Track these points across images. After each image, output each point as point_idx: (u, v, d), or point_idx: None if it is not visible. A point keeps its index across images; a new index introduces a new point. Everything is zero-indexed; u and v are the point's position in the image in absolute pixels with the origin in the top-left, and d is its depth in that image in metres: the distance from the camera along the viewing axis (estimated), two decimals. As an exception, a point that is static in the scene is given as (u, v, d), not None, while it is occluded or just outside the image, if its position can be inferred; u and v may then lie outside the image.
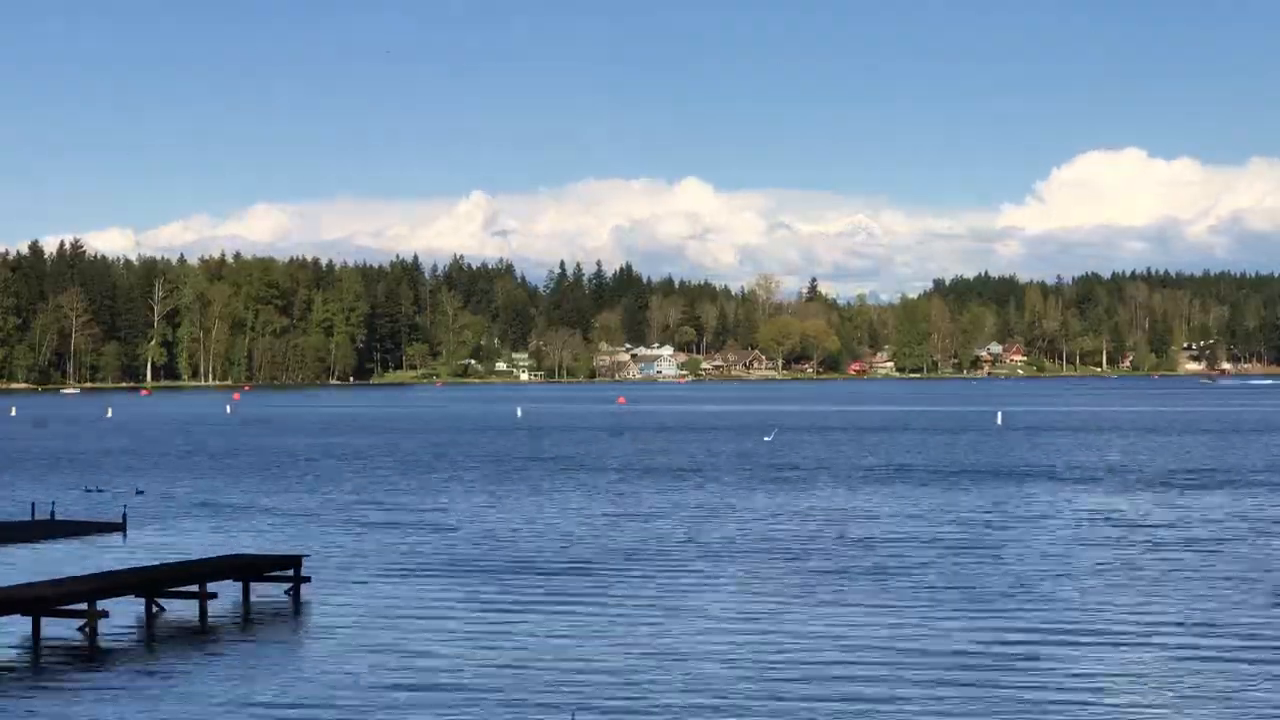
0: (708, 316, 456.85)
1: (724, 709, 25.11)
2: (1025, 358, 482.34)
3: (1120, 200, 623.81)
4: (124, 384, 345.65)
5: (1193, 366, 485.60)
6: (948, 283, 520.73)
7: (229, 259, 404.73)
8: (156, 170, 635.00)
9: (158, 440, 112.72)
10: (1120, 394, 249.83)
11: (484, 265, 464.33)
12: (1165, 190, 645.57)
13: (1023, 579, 38.79)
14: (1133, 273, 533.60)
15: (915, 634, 31.26)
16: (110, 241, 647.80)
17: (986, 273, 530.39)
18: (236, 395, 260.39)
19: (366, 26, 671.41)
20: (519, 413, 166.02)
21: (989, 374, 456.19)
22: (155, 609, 34.10)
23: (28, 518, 53.14)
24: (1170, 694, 25.93)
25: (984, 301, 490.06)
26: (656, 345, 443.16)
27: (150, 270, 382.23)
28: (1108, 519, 53.18)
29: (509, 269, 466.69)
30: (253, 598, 36.08)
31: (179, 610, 34.45)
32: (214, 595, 35.04)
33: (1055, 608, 34.45)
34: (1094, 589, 37.18)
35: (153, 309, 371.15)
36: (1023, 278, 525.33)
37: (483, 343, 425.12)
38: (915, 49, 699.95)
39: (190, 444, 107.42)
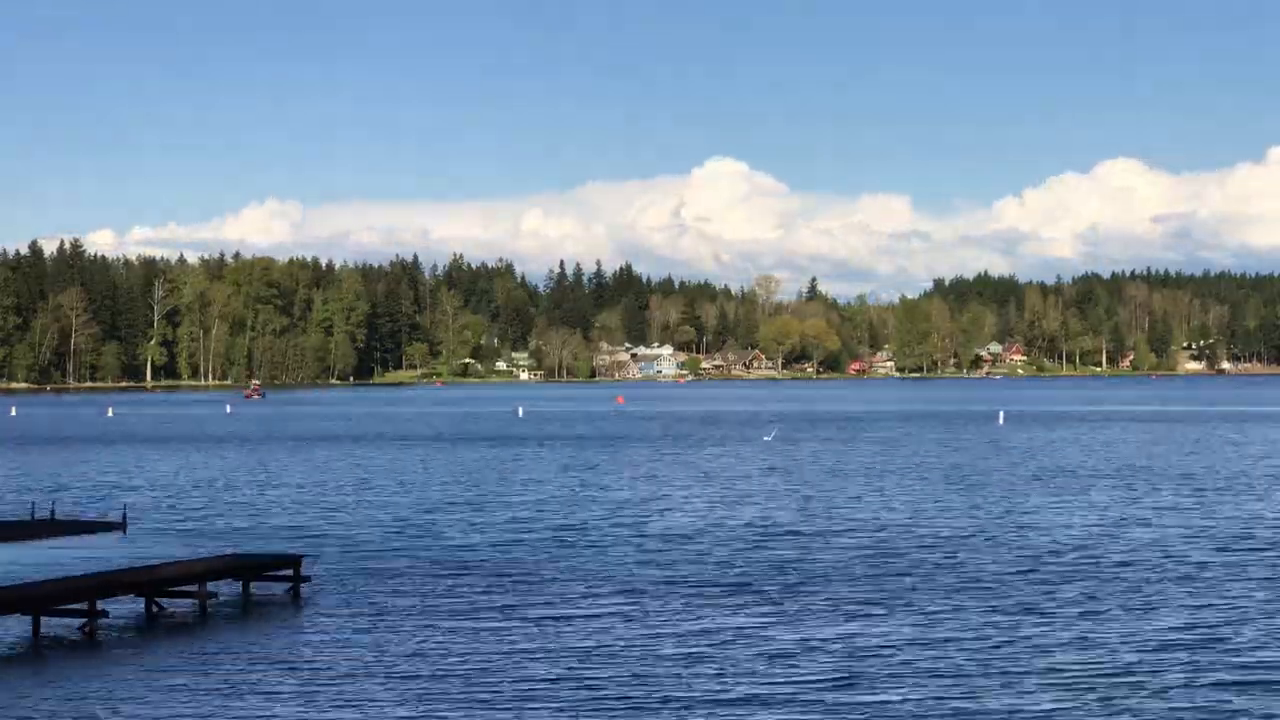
0: (708, 316, 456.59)
1: (730, 703, 25.21)
2: (1025, 358, 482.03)
3: (1121, 202, 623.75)
4: (124, 384, 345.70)
5: (1193, 366, 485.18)
6: (948, 283, 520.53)
7: (229, 259, 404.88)
8: (157, 170, 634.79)
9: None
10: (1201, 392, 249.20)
11: (484, 265, 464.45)
12: (1164, 193, 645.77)
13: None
14: (1132, 273, 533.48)
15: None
16: (109, 241, 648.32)
17: (986, 272, 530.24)
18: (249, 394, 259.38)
19: (365, 26, 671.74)
20: (520, 412, 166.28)
21: (988, 374, 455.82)
22: (155, 608, 34.16)
23: (28, 517, 53.17)
24: None
25: (984, 301, 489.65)
26: (656, 345, 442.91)
27: (150, 270, 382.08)
28: None
29: (509, 268, 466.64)
30: (252, 597, 36.16)
31: (179, 609, 34.52)
32: (213, 595, 35.13)
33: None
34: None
35: (153, 309, 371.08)
36: (1022, 278, 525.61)
37: (483, 342, 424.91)
38: (916, 48, 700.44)
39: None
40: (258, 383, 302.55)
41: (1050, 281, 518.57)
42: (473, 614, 34.10)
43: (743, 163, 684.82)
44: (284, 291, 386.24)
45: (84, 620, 31.87)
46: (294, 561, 37.64)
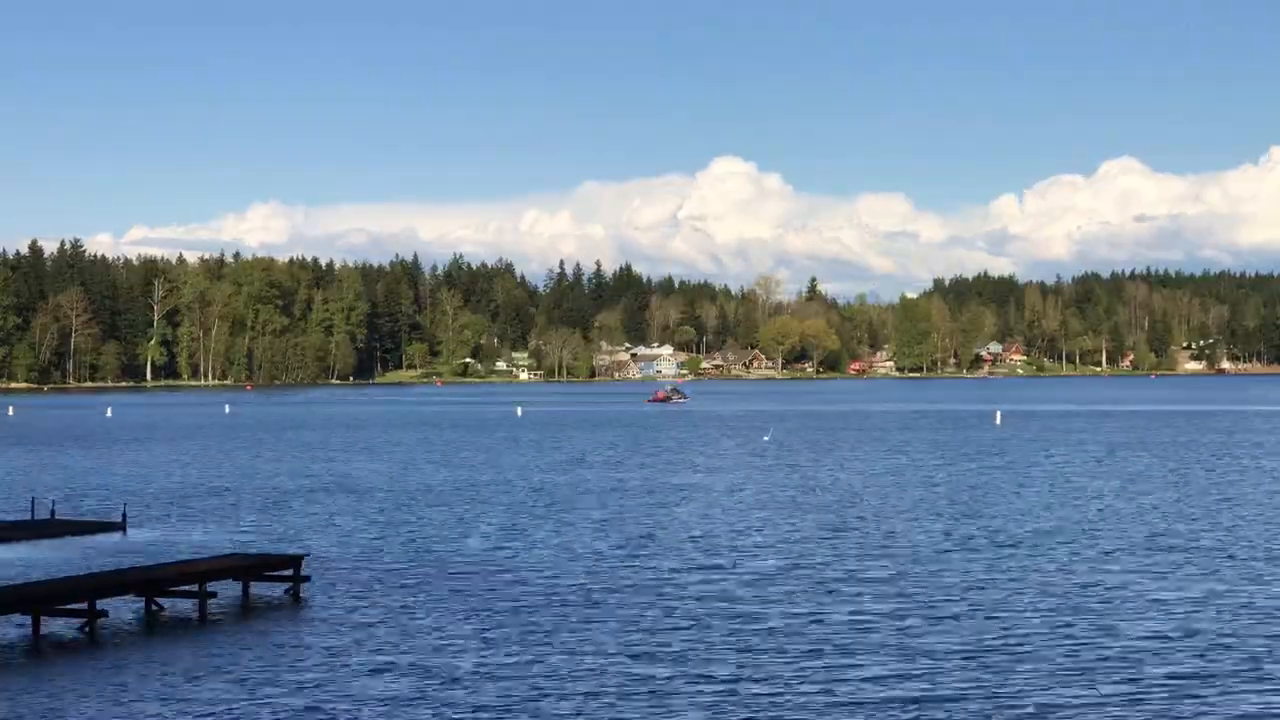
0: (707, 316, 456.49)
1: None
2: (1025, 357, 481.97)
3: (1120, 201, 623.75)
4: (124, 383, 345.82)
5: (1193, 366, 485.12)
6: (947, 282, 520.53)
7: (229, 259, 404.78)
8: (157, 171, 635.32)
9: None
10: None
11: (483, 264, 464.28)
12: (1164, 192, 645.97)
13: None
14: (1132, 272, 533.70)
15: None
16: (109, 241, 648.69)
17: (986, 272, 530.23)
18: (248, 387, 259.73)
19: (364, 28, 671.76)
20: (519, 412, 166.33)
21: (990, 373, 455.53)
22: (155, 608, 34.17)
23: (28, 517, 53.20)
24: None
25: (984, 301, 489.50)
26: (656, 345, 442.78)
27: (150, 270, 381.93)
28: None
29: (509, 268, 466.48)
30: (252, 597, 36.16)
31: (179, 610, 34.53)
32: (214, 595, 35.13)
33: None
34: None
35: (153, 308, 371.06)
36: (1022, 277, 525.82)
37: (482, 342, 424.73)
38: (915, 50, 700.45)
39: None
40: (672, 386, 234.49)
41: (1050, 281, 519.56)
42: (474, 614, 34.11)
43: (745, 161, 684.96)
44: (284, 291, 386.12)
45: (84, 620, 31.88)
46: (294, 561, 37.66)
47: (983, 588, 37.47)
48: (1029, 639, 30.79)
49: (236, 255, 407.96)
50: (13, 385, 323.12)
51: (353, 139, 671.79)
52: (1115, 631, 31.55)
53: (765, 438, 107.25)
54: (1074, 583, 38.11)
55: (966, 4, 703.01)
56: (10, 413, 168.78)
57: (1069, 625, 32.25)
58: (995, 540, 47.05)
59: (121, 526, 51.15)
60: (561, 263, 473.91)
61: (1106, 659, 28.83)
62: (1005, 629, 31.87)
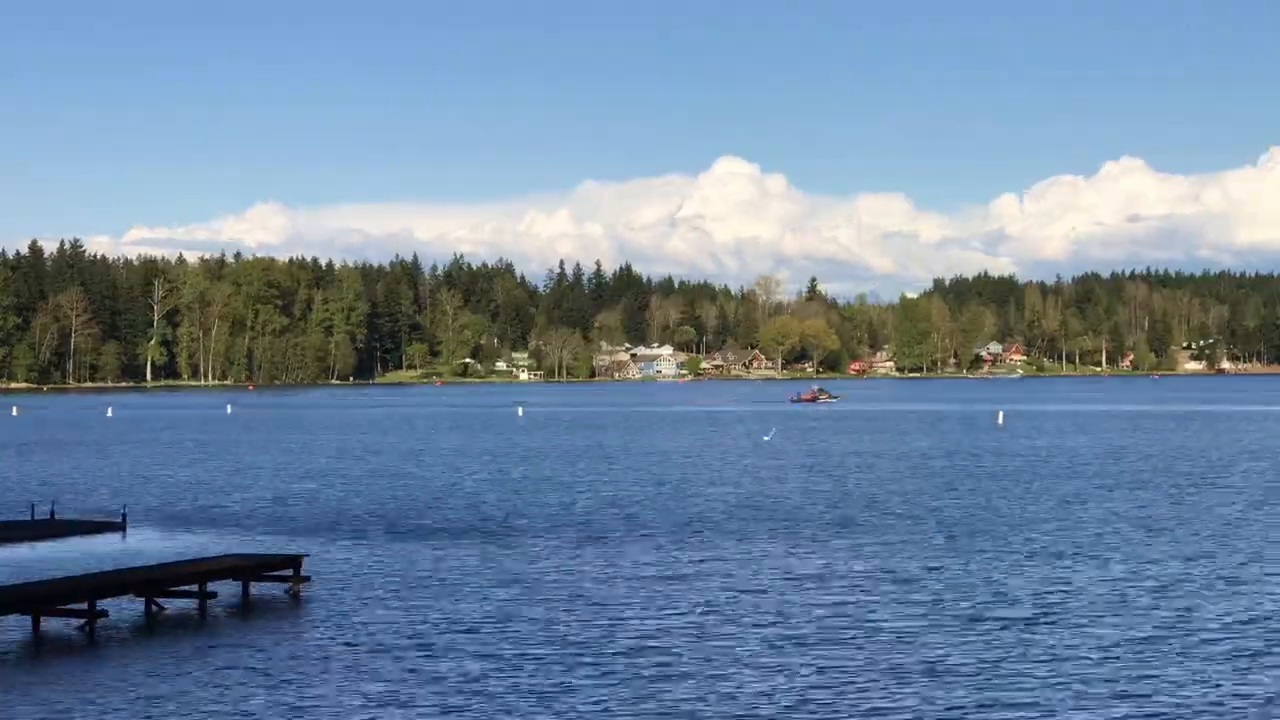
0: (707, 316, 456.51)
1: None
2: (1025, 357, 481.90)
3: (1120, 201, 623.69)
4: (124, 383, 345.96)
5: (1193, 366, 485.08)
6: (947, 282, 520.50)
7: (229, 259, 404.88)
8: (157, 171, 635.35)
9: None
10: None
11: (484, 264, 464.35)
12: (1164, 192, 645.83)
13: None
14: (1132, 272, 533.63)
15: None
16: (109, 241, 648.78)
17: (986, 272, 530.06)
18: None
19: (364, 28, 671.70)
20: (520, 412, 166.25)
21: (990, 373, 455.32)
22: (155, 608, 34.15)
23: (28, 517, 53.18)
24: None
25: (984, 301, 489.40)
26: (656, 345, 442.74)
27: (150, 270, 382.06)
28: None
29: (509, 268, 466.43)
30: (252, 597, 36.14)
31: (179, 610, 34.50)
32: (214, 595, 35.12)
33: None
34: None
35: (153, 308, 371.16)
36: (1022, 277, 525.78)
37: (482, 342, 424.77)
38: (915, 50, 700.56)
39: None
40: (819, 386, 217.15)
41: (1050, 281, 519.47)
42: (475, 613, 34.07)
43: (746, 161, 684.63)
44: (284, 291, 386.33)
45: (84, 620, 31.86)
46: (294, 561, 37.64)
47: None
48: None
49: (236, 255, 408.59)
50: (13, 385, 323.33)
51: (353, 139, 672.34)
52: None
53: (766, 438, 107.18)
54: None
55: (966, 4, 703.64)
56: (14, 412, 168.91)
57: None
58: None
59: (121, 526, 51.13)
60: (561, 263, 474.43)
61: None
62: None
